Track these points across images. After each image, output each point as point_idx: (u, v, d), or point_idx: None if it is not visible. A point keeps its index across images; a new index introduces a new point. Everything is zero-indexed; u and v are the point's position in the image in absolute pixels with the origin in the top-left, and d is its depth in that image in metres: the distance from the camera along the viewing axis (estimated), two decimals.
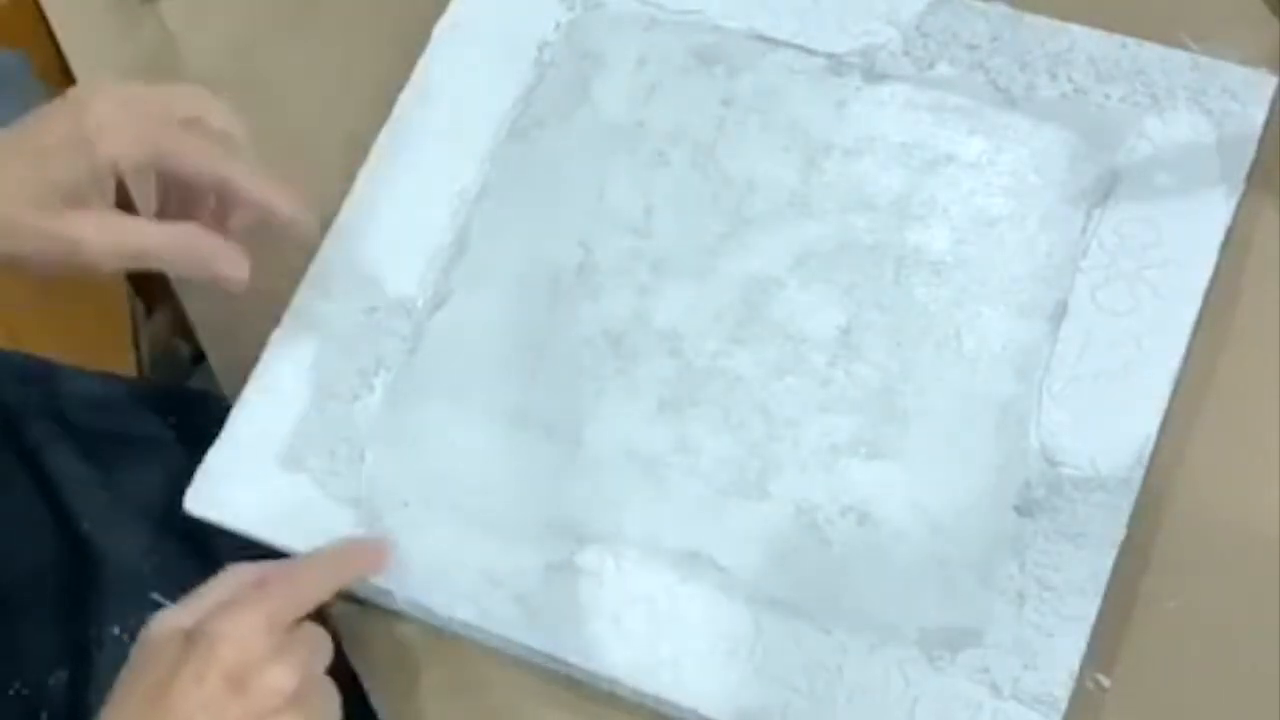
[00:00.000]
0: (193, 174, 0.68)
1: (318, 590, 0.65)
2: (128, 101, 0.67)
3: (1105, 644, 0.63)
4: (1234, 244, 0.68)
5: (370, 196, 0.76)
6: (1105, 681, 0.63)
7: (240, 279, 0.68)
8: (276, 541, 0.70)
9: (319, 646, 0.63)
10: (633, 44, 0.77)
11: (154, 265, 0.68)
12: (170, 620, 0.62)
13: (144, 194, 0.71)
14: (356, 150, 0.77)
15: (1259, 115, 0.69)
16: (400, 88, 0.78)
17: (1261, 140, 0.69)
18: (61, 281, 1.06)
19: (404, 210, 0.75)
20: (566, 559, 0.67)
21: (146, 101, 0.68)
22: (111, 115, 0.66)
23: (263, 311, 0.74)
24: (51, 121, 0.66)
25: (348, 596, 0.70)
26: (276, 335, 0.73)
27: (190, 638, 0.60)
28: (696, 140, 0.74)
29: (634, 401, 0.70)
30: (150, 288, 1.16)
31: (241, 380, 0.73)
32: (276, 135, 0.79)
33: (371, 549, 0.69)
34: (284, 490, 0.70)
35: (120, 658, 0.74)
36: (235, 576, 0.64)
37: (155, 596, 0.76)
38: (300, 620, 0.63)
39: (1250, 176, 0.68)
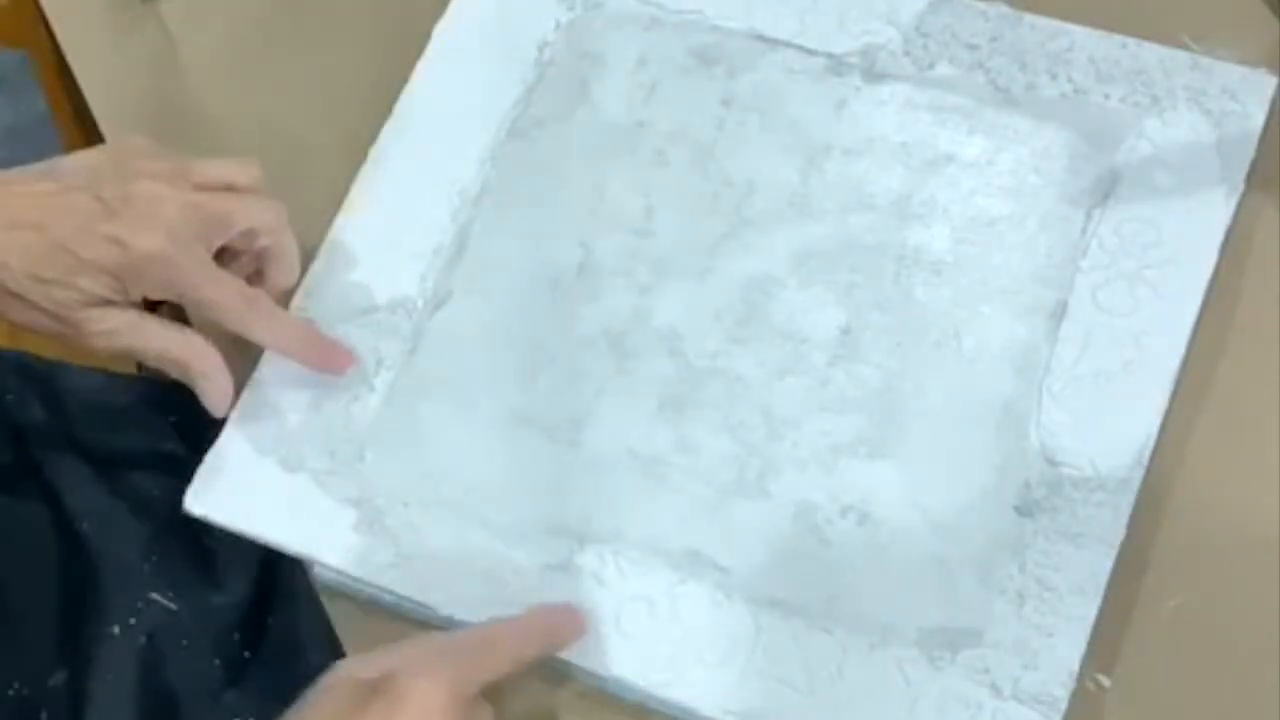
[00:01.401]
0: (224, 325, 0.69)
1: (510, 660, 0.62)
2: (181, 237, 0.67)
3: (1105, 644, 0.63)
4: (1234, 244, 0.68)
5: (370, 197, 0.76)
6: (1105, 681, 0.63)
7: (217, 407, 0.70)
8: (276, 541, 0.70)
9: None
10: (633, 44, 0.77)
11: (150, 364, 0.70)
12: (354, 667, 0.60)
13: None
14: (356, 150, 0.77)
15: (1259, 115, 0.69)
16: (400, 88, 0.78)
17: (1261, 140, 0.69)
18: None
19: (404, 210, 0.75)
20: (566, 559, 0.67)
21: (204, 228, 0.68)
22: (163, 254, 0.66)
23: None
24: (102, 233, 0.66)
25: (347, 597, 0.69)
26: None
27: (374, 689, 0.58)
28: (696, 140, 0.74)
29: (634, 401, 0.70)
30: None
31: (242, 380, 0.73)
32: (276, 135, 0.79)
33: (566, 616, 0.66)
34: (284, 490, 0.70)
35: (120, 657, 0.74)
36: (429, 639, 0.63)
37: (155, 596, 0.76)
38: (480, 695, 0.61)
39: (1250, 176, 0.68)
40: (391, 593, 0.68)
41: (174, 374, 0.70)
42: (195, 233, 0.67)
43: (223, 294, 0.68)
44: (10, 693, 0.73)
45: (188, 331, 0.69)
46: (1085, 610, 0.62)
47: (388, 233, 0.75)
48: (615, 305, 0.72)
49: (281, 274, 0.72)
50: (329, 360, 0.71)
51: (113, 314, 0.67)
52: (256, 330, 0.69)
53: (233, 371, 0.70)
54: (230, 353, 0.70)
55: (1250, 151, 0.69)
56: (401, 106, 0.77)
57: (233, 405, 0.71)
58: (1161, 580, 0.64)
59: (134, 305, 0.68)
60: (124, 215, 0.66)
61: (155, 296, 0.68)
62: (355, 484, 0.70)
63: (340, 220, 0.76)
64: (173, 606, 0.76)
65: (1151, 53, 0.71)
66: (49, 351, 0.85)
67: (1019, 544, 0.64)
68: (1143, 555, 0.64)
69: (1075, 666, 0.62)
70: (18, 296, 0.67)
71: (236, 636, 0.77)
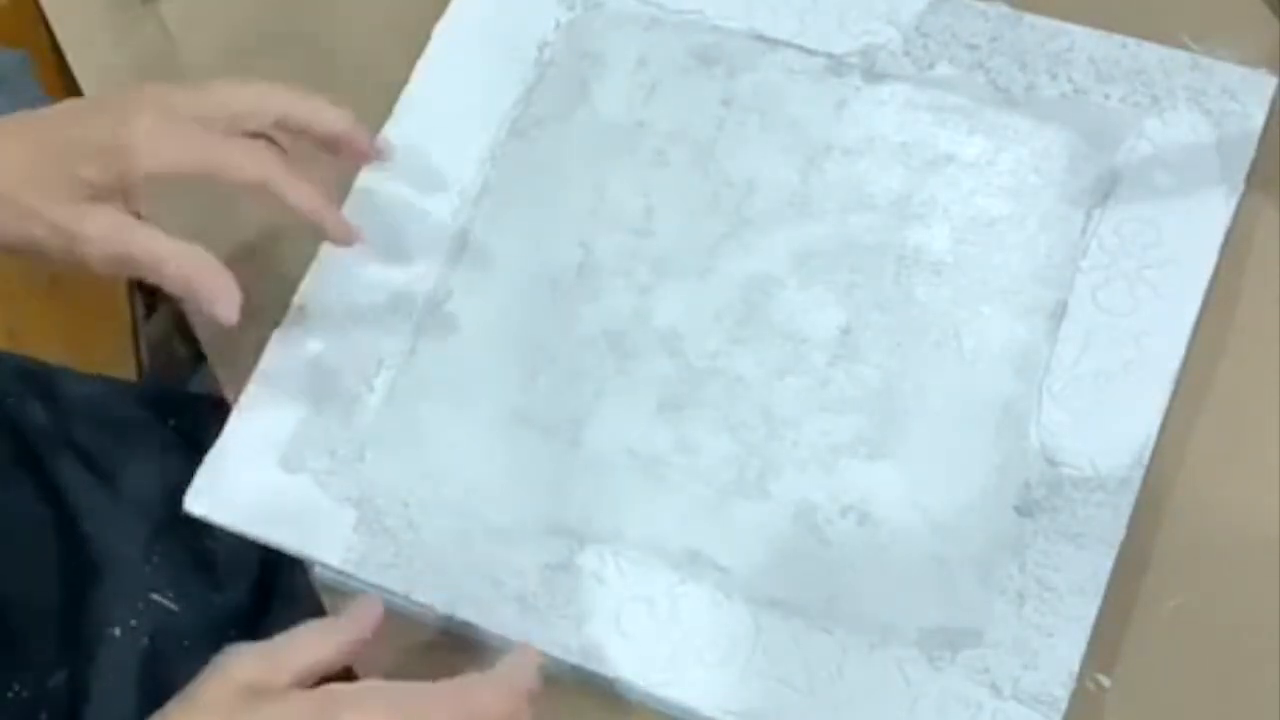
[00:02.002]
0: (239, 185, 0.66)
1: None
2: (175, 114, 0.65)
3: (1105, 644, 0.63)
4: (1234, 244, 0.68)
5: (370, 196, 0.76)
6: (1105, 681, 0.63)
7: (227, 319, 0.65)
8: (276, 541, 0.70)
9: None
10: (633, 44, 0.77)
11: (149, 279, 0.66)
12: (242, 668, 0.58)
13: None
14: None
15: (1259, 115, 0.69)
16: (400, 87, 0.78)
17: (1261, 140, 0.69)
18: (62, 281, 1.06)
19: (404, 210, 0.75)
20: (566, 559, 0.67)
21: (198, 109, 0.66)
22: (157, 127, 0.64)
23: (263, 312, 0.74)
24: (94, 122, 0.65)
25: (347, 597, 0.69)
26: (276, 335, 0.73)
27: (249, 703, 0.57)
28: (696, 140, 0.74)
29: (634, 401, 0.70)
30: (150, 288, 1.16)
31: (241, 380, 0.73)
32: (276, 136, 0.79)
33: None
34: (284, 490, 0.70)
35: (120, 658, 0.74)
36: (319, 637, 0.60)
37: (155, 596, 0.76)
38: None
39: (1250, 176, 0.68)
40: (391, 593, 0.68)
41: (175, 290, 0.66)
42: (192, 115, 0.66)
43: (238, 148, 0.66)
44: (10, 694, 0.73)
45: (183, 242, 0.65)
46: (1085, 610, 0.62)
47: (388, 232, 0.75)
48: (615, 305, 0.72)
49: (326, 123, 0.69)
50: (341, 232, 0.69)
51: (106, 212, 0.64)
52: (281, 181, 0.66)
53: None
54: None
55: (1250, 151, 0.69)
56: (401, 106, 0.77)
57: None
58: (1161, 580, 0.64)
59: (130, 214, 0.65)
60: (115, 108, 0.65)
61: (163, 165, 0.65)
62: (355, 484, 0.70)
63: None
64: (173, 607, 0.76)
65: (1151, 53, 0.71)
66: (49, 352, 0.85)
67: (1019, 544, 0.64)
68: (1143, 555, 0.64)
69: (1075, 666, 0.62)
70: (12, 202, 0.64)
71: (237, 637, 0.77)
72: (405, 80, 0.78)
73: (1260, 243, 0.69)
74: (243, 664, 0.58)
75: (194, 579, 0.77)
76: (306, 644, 0.59)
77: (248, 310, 0.71)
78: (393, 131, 0.77)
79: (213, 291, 0.65)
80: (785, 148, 0.73)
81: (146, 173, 0.64)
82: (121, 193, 0.65)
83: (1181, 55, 0.71)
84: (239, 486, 0.71)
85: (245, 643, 0.59)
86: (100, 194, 0.64)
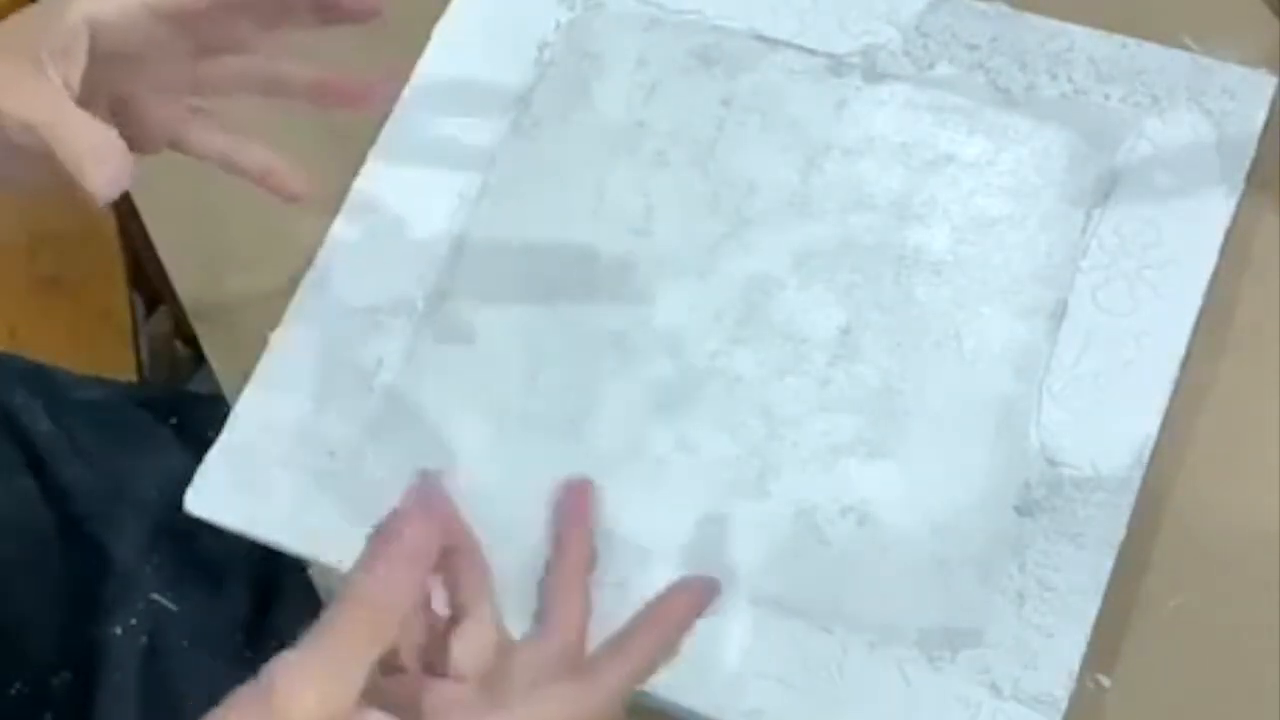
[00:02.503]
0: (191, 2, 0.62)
1: None
2: None
3: (1105, 644, 0.63)
4: (1234, 244, 0.68)
5: (370, 197, 0.76)
6: (1105, 681, 0.63)
7: (103, 186, 0.58)
8: (276, 541, 0.70)
9: None
10: (633, 44, 0.77)
11: (49, 148, 0.59)
12: (296, 693, 0.52)
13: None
14: (356, 150, 0.77)
15: (1259, 115, 0.69)
16: (400, 88, 0.78)
17: (1261, 140, 0.69)
18: (62, 281, 1.06)
19: (404, 210, 0.75)
20: None
21: None
22: None
23: (263, 311, 0.74)
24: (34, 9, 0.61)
25: None
26: (276, 335, 0.73)
27: None
28: (696, 140, 0.74)
29: (634, 401, 0.70)
30: (150, 287, 1.16)
31: (241, 380, 0.73)
32: (276, 135, 0.79)
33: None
34: (284, 490, 0.70)
35: (122, 658, 0.74)
36: (370, 639, 0.54)
37: (156, 597, 0.76)
38: None
39: (1250, 176, 0.68)
40: None
41: (60, 155, 0.59)
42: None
43: None
44: (12, 692, 0.73)
45: (100, 128, 0.59)
46: (1085, 610, 0.62)
47: (388, 233, 0.75)
48: (615, 305, 0.72)
49: None
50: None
51: (27, 77, 0.59)
52: None
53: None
54: None
55: (1250, 151, 0.69)
56: (401, 106, 0.77)
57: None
58: (1161, 580, 0.64)
59: (61, 85, 0.60)
60: None
61: (103, 5, 0.61)
62: (355, 484, 0.70)
63: (340, 220, 0.76)
64: (173, 607, 0.76)
65: (1151, 53, 0.71)
66: (49, 352, 0.85)
67: (1019, 544, 0.64)
68: (1143, 555, 0.64)
69: (1075, 666, 0.62)
70: None
71: (238, 637, 0.77)
72: (405, 80, 0.78)
73: (1260, 243, 0.69)
74: (307, 712, 0.52)
75: (194, 579, 0.77)
76: (362, 655, 0.53)
77: (248, 310, 0.71)
78: (393, 131, 0.77)
79: (92, 161, 0.58)
80: (785, 148, 0.73)
81: (85, 14, 0.60)
82: (65, 57, 0.60)
83: (1181, 55, 0.71)
84: (239, 486, 0.71)
85: (292, 667, 0.52)
86: (36, 56, 0.59)
